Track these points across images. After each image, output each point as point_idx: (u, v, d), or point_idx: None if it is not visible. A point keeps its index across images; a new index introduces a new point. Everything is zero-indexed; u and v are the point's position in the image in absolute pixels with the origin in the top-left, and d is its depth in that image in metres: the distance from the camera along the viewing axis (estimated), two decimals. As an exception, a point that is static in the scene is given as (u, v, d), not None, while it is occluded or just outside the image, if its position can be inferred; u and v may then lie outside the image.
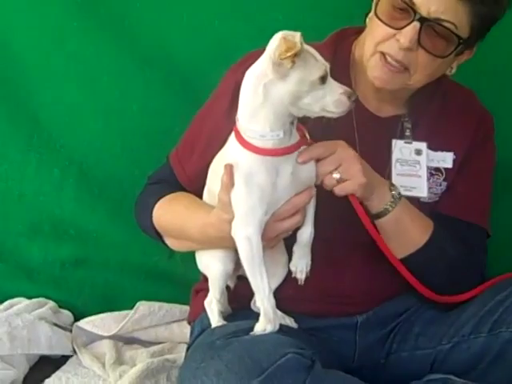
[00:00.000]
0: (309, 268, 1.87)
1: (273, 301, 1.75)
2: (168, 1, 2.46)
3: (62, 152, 2.56)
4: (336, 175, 1.82)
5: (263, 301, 1.74)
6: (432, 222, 1.99)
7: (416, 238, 1.96)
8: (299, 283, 1.87)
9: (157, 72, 2.51)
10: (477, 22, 1.87)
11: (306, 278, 1.88)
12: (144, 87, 2.51)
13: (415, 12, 1.82)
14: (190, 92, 2.48)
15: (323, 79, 1.69)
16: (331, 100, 1.70)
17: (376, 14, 1.89)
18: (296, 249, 1.87)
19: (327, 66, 1.70)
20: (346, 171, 1.81)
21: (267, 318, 1.74)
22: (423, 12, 1.82)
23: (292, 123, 1.76)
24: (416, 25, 1.82)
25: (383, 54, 1.88)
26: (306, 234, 1.85)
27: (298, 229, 1.85)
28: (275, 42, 1.67)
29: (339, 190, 1.83)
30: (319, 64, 1.69)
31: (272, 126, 1.72)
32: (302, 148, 1.79)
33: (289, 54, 1.63)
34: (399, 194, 1.92)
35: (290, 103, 1.70)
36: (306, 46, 1.69)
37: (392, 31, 1.86)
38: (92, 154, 2.56)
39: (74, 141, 2.56)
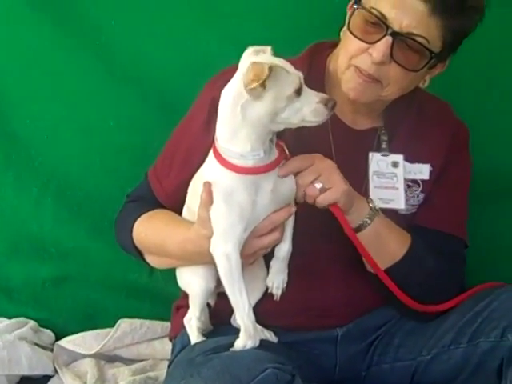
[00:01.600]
0: (285, 284, 1.90)
1: (253, 317, 1.78)
2: (143, 17, 2.48)
3: (40, 170, 2.57)
4: (318, 185, 1.85)
5: (243, 317, 1.78)
6: (409, 234, 2.03)
7: (395, 251, 2.00)
8: (275, 299, 1.91)
9: (133, 88, 2.52)
10: (449, 36, 1.91)
11: (282, 294, 1.91)
12: (121, 104, 2.53)
13: (387, 26, 1.87)
14: (166, 107, 2.50)
15: (298, 91, 1.71)
16: (309, 110, 1.72)
17: (349, 29, 1.94)
18: (273, 264, 1.90)
19: (301, 76, 1.73)
20: (326, 180, 1.86)
21: (247, 334, 1.77)
22: (395, 27, 1.86)
23: (271, 140, 1.79)
24: (388, 39, 1.87)
25: (357, 67, 1.93)
26: (284, 249, 1.88)
27: (276, 245, 1.89)
28: (245, 64, 1.70)
29: (322, 200, 1.86)
30: (292, 77, 1.71)
31: (253, 146, 1.75)
32: (281, 163, 1.83)
33: (254, 85, 1.65)
34: (376, 207, 1.97)
35: (269, 121, 1.72)
36: (277, 61, 1.72)
37: (365, 45, 1.91)
38: (71, 171, 2.58)
39: (52, 158, 2.57)
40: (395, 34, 1.86)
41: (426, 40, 1.88)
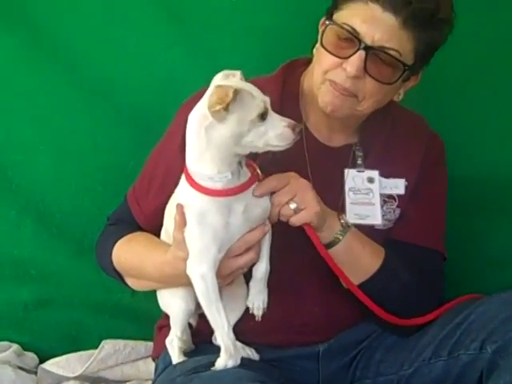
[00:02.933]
0: (266, 304, 1.93)
1: (232, 336, 1.82)
2: (115, 37, 2.50)
3: (17, 192, 2.59)
4: (292, 205, 1.90)
5: (223, 337, 1.81)
6: (383, 248, 2.07)
7: (368, 265, 2.04)
8: (256, 319, 1.93)
9: (107, 109, 2.55)
10: (420, 49, 1.97)
11: (264, 314, 1.93)
12: (95, 124, 2.55)
13: (360, 41, 1.91)
14: (141, 127, 2.53)
15: (263, 116, 1.73)
16: (274, 134, 1.74)
17: (322, 45, 1.99)
18: (252, 285, 1.93)
19: (266, 101, 1.75)
20: (301, 200, 1.90)
21: (228, 354, 1.80)
22: (368, 41, 1.91)
23: (239, 162, 1.81)
24: (361, 53, 1.91)
25: (332, 81, 1.97)
26: (262, 269, 1.91)
27: (254, 264, 1.92)
28: (211, 88, 1.74)
29: (296, 220, 1.91)
30: (257, 101, 1.73)
31: (219, 169, 1.78)
32: (254, 185, 1.86)
33: (218, 108, 1.68)
34: (347, 222, 2.01)
35: (234, 144, 1.75)
36: (244, 85, 1.75)
37: (339, 60, 1.95)
38: (48, 193, 2.60)
39: (29, 180, 2.59)
40: (368, 48, 1.91)
41: (399, 53, 1.93)
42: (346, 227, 2.00)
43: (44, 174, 2.59)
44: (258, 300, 1.93)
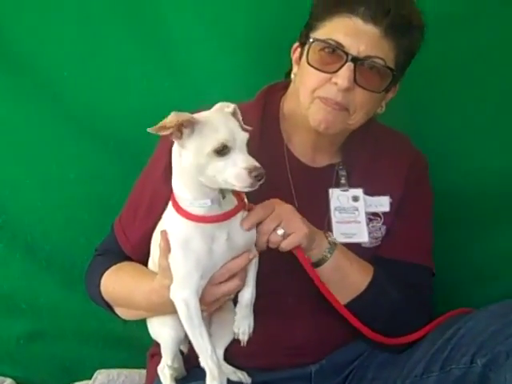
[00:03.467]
0: (251, 329, 1.94)
1: (216, 359, 1.83)
2: (96, 65, 2.51)
3: (5, 227, 2.59)
4: (280, 231, 1.92)
5: (207, 360, 1.83)
6: (372, 265, 2.09)
7: (357, 282, 2.06)
8: (242, 344, 1.94)
9: (91, 139, 2.55)
10: (401, 56, 2.04)
11: (249, 340, 1.94)
12: (80, 155, 2.55)
13: (347, 53, 1.96)
14: (126, 156, 2.53)
15: (220, 152, 1.71)
16: (231, 173, 1.72)
17: (308, 63, 2.02)
18: (238, 310, 1.94)
19: (227, 139, 1.71)
20: (288, 225, 1.92)
21: (212, 376, 1.82)
22: (354, 52, 1.97)
23: (221, 191, 1.81)
24: (350, 65, 1.96)
25: (323, 98, 2.00)
26: (247, 295, 1.93)
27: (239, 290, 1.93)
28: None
29: (286, 245, 1.93)
30: (216, 136, 1.72)
31: (194, 195, 1.80)
32: (240, 213, 1.87)
33: (160, 132, 1.71)
34: (334, 240, 2.03)
35: (197, 174, 1.76)
36: (214, 117, 1.76)
37: (327, 76, 1.99)
38: (36, 226, 2.60)
39: (16, 214, 2.59)
40: (355, 60, 1.96)
41: (384, 61, 1.99)
42: (333, 245, 2.02)
43: (30, 207, 2.59)
44: (243, 325, 1.94)
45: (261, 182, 1.72)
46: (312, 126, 2.05)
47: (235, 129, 1.75)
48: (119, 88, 2.52)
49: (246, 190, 1.74)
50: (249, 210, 1.90)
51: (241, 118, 1.82)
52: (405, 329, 2.08)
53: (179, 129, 1.73)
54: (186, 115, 1.73)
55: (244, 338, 1.94)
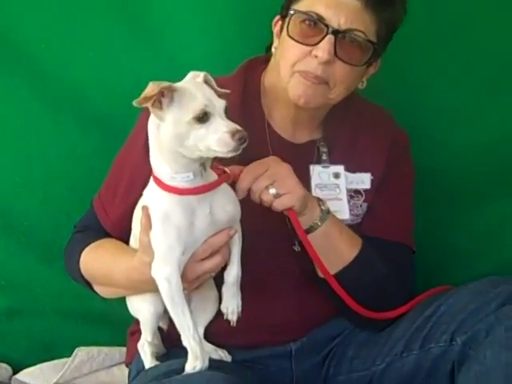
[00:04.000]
0: (240, 308, 1.94)
1: (198, 338, 1.83)
2: (75, 41, 2.49)
3: None
4: (272, 190, 1.92)
5: (189, 339, 1.82)
6: (361, 238, 2.10)
7: (345, 253, 2.06)
8: (231, 324, 1.94)
9: (70, 115, 2.53)
10: (382, 30, 2.03)
11: (238, 319, 1.94)
12: (58, 131, 2.54)
13: (327, 26, 1.96)
14: (105, 133, 2.52)
15: (200, 119, 1.70)
16: (213, 139, 1.71)
17: (289, 35, 2.01)
18: (225, 289, 1.94)
19: (206, 104, 1.71)
20: (281, 186, 1.92)
21: (194, 356, 1.81)
22: (334, 25, 1.96)
23: (203, 164, 1.81)
24: (330, 37, 1.96)
25: (302, 72, 2.00)
26: (233, 273, 1.92)
27: (223, 269, 1.93)
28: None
29: (277, 205, 1.93)
30: (195, 104, 1.71)
31: (175, 168, 1.79)
32: (223, 186, 1.87)
33: (143, 103, 1.70)
34: (328, 209, 2.02)
35: (177, 145, 1.74)
36: (189, 86, 1.76)
37: (307, 48, 1.98)
38: (15, 202, 2.58)
39: None
40: (336, 32, 1.96)
41: (365, 34, 1.99)
42: (326, 213, 2.01)
43: (8, 183, 2.57)
44: (231, 305, 1.94)
45: (244, 146, 1.71)
46: (292, 100, 2.04)
47: (212, 96, 1.75)
48: (99, 63, 2.49)
49: (230, 154, 1.72)
50: (233, 180, 1.90)
51: (215, 84, 1.80)
52: (387, 304, 2.09)
53: (159, 99, 1.73)
54: (165, 83, 1.72)
55: (233, 317, 1.94)
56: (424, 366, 1.99)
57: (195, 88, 1.75)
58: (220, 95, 1.78)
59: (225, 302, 1.94)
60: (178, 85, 1.75)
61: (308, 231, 1.99)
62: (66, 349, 2.65)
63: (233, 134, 1.70)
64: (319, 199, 2.04)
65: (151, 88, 1.70)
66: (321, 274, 2.04)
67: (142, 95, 1.69)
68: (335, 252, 2.04)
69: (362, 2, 1.97)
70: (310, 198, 2.00)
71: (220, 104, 1.74)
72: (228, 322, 1.94)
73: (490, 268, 2.52)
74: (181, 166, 1.79)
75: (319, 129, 2.19)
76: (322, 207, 2.02)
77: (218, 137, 1.70)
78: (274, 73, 2.09)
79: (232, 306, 1.94)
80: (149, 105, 1.71)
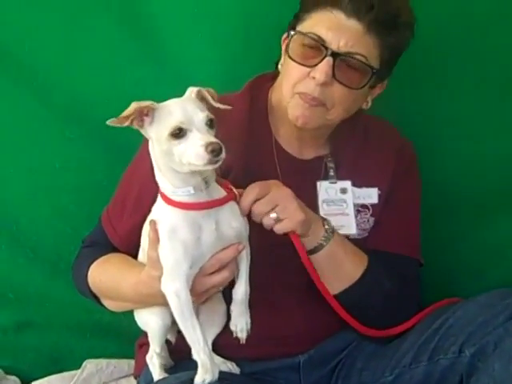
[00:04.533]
0: (249, 326, 1.96)
1: (208, 351, 1.85)
2: (81, 55, 2.50)
3: None
4: (273, 215, 1.93)
5: (199, 352, 1.84)
6: (366, 255, 2.11)
7: (351, 272, 2.08)
8: (241, 342, 1.96)
9: (76, 128, 2.54)
10: (385, 54, 2.04)
11: (248, 337, 1.96)
12: (65, 144, 2.54)
13: (326, 48, 1.98)
14: (113, 145, 2.50)
15: (177, 135, 1.73)
16: (192, 153, 1.72)
17: (289, 56, 2.04)
18: (233, 308, 1.96)
19: (181, 121, 1.73)
20: (282, 210, 1.93)
21: (205, 369, 1.83)
22: (334, 47, 1.98)
23: (205, 179, 1.83)
24: (329, 60, 1.98)
25: (301, 93, 2.02)
26: (241, 291, 1.94)
27: (232, 284, 1.95)
28: None
29: (278, 230, 1.95)
30: (171, 120, 1.74)
31: (175, 183, 1.82)
32: (231, 203, 1.89)
33: (123, 123, 1.75)
34: (332, 228, 2.05)
35: (168, 160, 1.78)
36: (169, 103, 1.79)
37: (306, 70, 2.01)
38: (21, 216, 2.60)
39: (1, 204, 2.59)
40: (335, 55, 1.97)
41: (365, 57, 2.00)
42: (330, 233, 2.03)
43: (15, 197, 2.59)
44: (240, 323, 1.96)
45: (219, 158, 1.71)
46: (291, 121, 2.07)
47: (192, 110, 1.75)
48: (105, 76, 2.51)
49: (208, 167, 1.74)
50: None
51: (210, 99, 1.81)
52: (395, 319, 2.11)
53: (141, 117, 1.77)
54: (145, 102, 1.76)
55: (243, 335, 1.96)
56: (433, 377, 2.00)
57: (175, 105, 1.78)
58: (210, 108, 1.80)
59: (234, 320, 1.97)
60: (161, 104, 1.79)
61: (313, 251, 2.02)
62: (74, 361, 2.67)
63: (206, 147, 1.71)
64: (324, 219, 2.06)
65: (129, 108, 1.75)
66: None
67: (121, 115, 1.74)
68: (341, 271, 2.07)
69: (365, 26, 1.98)
70: (313, 219, 2.02)
71: (200, 117, 1.75)
72: (238, 340, 1.97)
73: (498, 280, 2.52)
74: (179, 180, 1.81)
75: (326, 145, 2.21)
76: (327, 226, 2.04)
77: (194, 150, 1.72)
78: (280, 90, 2.11)
79: (241, 324, 1.96)
80: (126, 124, 1.75)
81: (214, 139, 1.72)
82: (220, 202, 1.87)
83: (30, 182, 2.58)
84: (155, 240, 1.86)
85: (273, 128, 2.18)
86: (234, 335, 1.97)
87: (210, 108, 1.81)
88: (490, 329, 1.90)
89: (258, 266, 1.96)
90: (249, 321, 1.96)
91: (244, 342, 1.96)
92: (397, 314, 2.13)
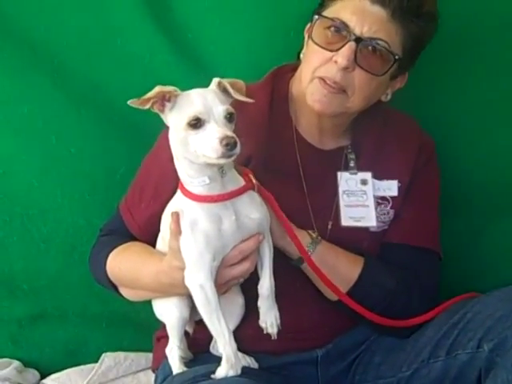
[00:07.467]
0: (279, 320, 2.00)
1: (234, 345, 1.91)
2: (100, 40, 2.51)
3: (0, 207, 2.59)
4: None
5: (225, 346, 1.90)
6: (362, 256, 2.18)
7: (347, 274, 2.15)
8: (272, 338, 2.01)
9: (93, 113, 2.54)
10: (408, 43, 2.11)
11: (279, 331, 2.01)
12: (80, 129, 2.53)
13: (350, 33, 2.05)
14: (130, 131, 2.53)
15: (194, 125, 1.78)
16: (206, 145, 1.78)
17: (312, 39, 2.11)
18: (260, 303, 2.00)
19: (200, 111, 1.78)
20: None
21: (229, 363, 1.90)
22: (357, 32, 2.05)
23: (221, 169, 1.88)
24: (352, 44, 2.04)
25: (321, 78, 2.09)
26: (266, 285, 1.99)
27: (253, 276, 2.01)
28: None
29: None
30: (190, 110, 1.79)
31: (190, 173, 1.88)
32: (249, 193, 1.95)
33: (144, 105, 1.82)
34: (318, 236, 2.12)
35: (183, 150, 1.84)
36: (191, 92, 1.84)
37: (329, 54, 2.08)
38: (33, 205, 2.59)
39: (12, 194, 2.59)
40: (358, 40, 2.04)
41: (388, 44, 2.07)
42: (316, 239, 2.11)
43: (27, 185, 2.57)
44: (270, 318, 2.00)
45: (233, 153, 1.77)
46: (309, 106, 2.13)
47: (212, 102, 1.81)
48: (124, 63, 2.53)
49: (222, 161, 1.80)
50: (258, 191, 1.97)
51: (232, 91, 1.86)
52: (404, 314, 2.16)
53: (162, 102, 1.83)
54: (168, 88, 1.82)
55: (273, 330, 2.00)
56: (451, 372, 2.04)
57: (197, 95, 1.84)
58: (232, 102, 1.86)
59: (262, 316, 2.01)
60: (184, 92, 1.85)
61: (302, 259, 2.08)
62: (91, 353, 2.71)
63: (221, 140, 1.76)
64: (310, 231, 2.13)
65: (153, 91, 1.81)
66: (332, 298, 2.15)
67: (143, 97, 1.80)
68: (336, 274, 2.11)
69: (389, 12, 2.05)
70: (296, 231, 2.07)
71: (219, 110, 1.80)
72: (269, 336, 2.02)
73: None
74: (195, 170, 1.87)
75: (346, 136, 2.28)
76: (313, 235, 2.11)
77: (209, 142, 1.78)
78: (300, 80, 2.17)
79: (270, 319, 2.00)
80: (147, 106, 1.82)
81: (229, 133, 1.77)
82: (235, 194, 1.91)
83: (43, 168, 2.57)
84: (177, 231, 1.92)
85: (293, 118, 2.24)
86: (265, 331, 2.01)
87: (234, 99, 1.88)
88: (508, 323, 1.94)
89: (275, 260, 2.02)
90: (278, 315, 2.00)
91: (275, 337, 2.00)
92: (406, 310, 2.17)
